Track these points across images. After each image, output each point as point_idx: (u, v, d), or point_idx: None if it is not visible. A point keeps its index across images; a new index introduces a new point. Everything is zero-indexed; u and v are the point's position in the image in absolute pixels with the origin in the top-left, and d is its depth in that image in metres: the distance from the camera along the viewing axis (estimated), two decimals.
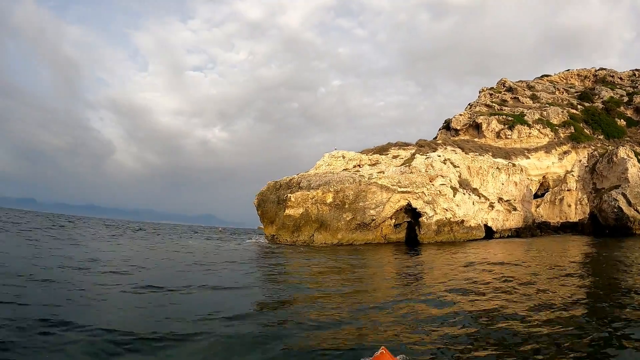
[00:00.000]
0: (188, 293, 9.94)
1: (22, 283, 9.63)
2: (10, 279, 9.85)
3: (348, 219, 31.63)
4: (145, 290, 9.89)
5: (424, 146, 41.48)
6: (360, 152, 40.55)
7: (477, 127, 49.92)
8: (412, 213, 34.52)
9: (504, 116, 49.96)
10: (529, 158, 45.87)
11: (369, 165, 37.52)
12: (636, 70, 66.73)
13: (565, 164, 46.88)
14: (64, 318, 6.94)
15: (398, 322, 7.60)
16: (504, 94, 60.29)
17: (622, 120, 54.69)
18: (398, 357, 5.18)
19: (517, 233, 41.07)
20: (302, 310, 8.55)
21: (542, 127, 49.01)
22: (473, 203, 36.74)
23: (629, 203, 37.29)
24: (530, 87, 62.56)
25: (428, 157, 36.71)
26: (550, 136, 48.81)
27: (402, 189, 32.93)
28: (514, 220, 41.15)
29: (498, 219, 39.45)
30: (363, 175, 33.73)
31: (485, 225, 37.92)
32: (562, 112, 52.14)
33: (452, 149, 41.48)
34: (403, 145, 41.75)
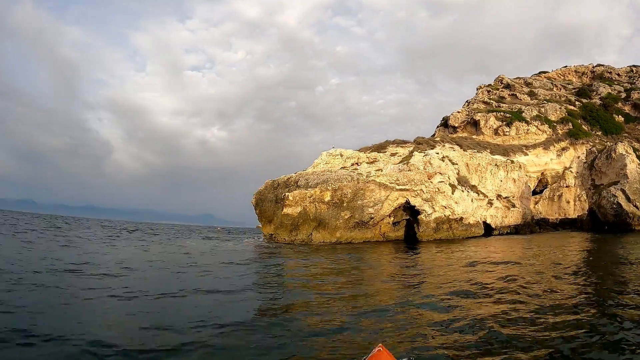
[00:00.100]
0: (181, 298, 9.57)
1: (9, 287, 9.33)
2: None
3: (346, 217, 31.48)
4: (136, 295, 9.49)
5: (422, 143, 41.32)
6: (359, 150, 40.41)
7: (475, 124, 49.75)
8: (410, 211, 34.37)
9: (502, 113, 49.82)
10: (527, 155, 45.76)
11: (367, 163, 37.38)
12: (634, 66, 66.62)
13: (563, 160, 46.76)
14: (47, 328, 6.60)
15: (401, 328, 7.30)
16: (502, 90, 60.09)
17: (620, 116, 54.59)
18: None
19: (516, 230, 40.93)
20: (301, 316, 8.17)
21: (540, 123, 48.88)
22: (472, 200, 36.62)
23: (628, 199, 37.24)
24: (527, 84, 62.38)
25: (426, 155, 36.59)
26: (548, 133, 48.69)
27: (401, 187, 32.77)
28: (513, 217, 41.03)
29: (497, 215, 39.34)
30: (361, 174, 33.57)
31: (484, 223, 37.80)
32: (560, 108, 52.04)
33: (450, 146, 41.33)
34: (401, 142, 41.63)
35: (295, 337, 6.73)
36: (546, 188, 46.66)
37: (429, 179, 34.30)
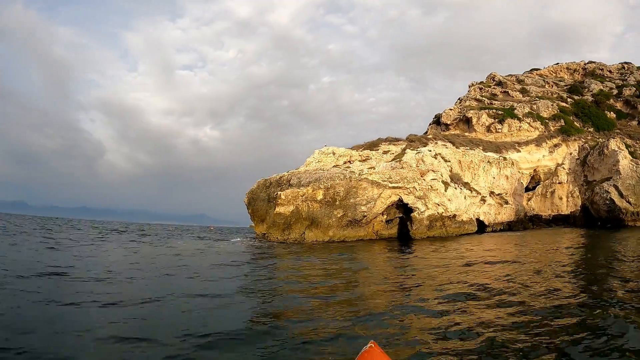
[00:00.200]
0: (166, 303, 9.09)
1: None
2: None
3: (339, 215, 31.35)
4: (119, 300, 9.05)
5: (415, 141, 41.25)
6: (351, 148, 40.31)
7: (467, 121, 49.77)
8: (403, 208, 34.27)
9: (494, 110, 49.83)
10: (520, 151, 45.78)
11: (360, 161, 37.29)
12: (625, 63, 66.88)
13: (556, 157, 46.81)
14: (19, 340, 6.15)
15: (398, 333, 6.99)
16: (494, 88, 60.14)
17: (612, 112, 54.72)
18: None
19: (509, 226, 40.95)
20: (293, 323, 7.73)
21: (532, 120, 48.92)
22: (465, 197, 36.57)
23: (621, 195, 37.30)
24: (519, 81, 62.46)
25: (419, 152, 36.50)
26: (540, 129, 48.73)
27: (393, 185, 32.66)
28: (506, 214, 41.03)
29: (490, 212, 39.32)
30: (353, 172, 33.45)
31: (478, 219, 37.76)
32: (552, 105, 52.12)
33: (443, 143, 41.28)
34: (393, 140, 41.57)
35: (286, 348, 6.37)
36: (539, 184, 46.69)
37: (421, 176, 34.20)
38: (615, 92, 58.13)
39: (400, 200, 33.03)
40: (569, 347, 6.12)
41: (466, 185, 37.81)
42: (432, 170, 35.05)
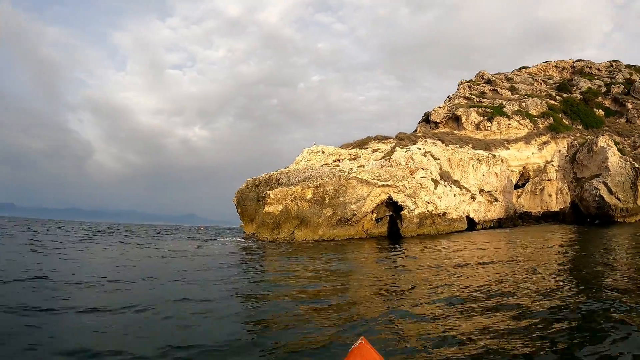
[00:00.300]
0: (147, 312, 8.48)
1: None
2: None
3: (328, 214, 31.18)
4: (97, 308, 8.55)
5: (404, 139, 41.17)
6: (340, 147, 40.14)
7: (456, 119, 49.84)
8: (393, 207, 34.16)
9: (483, 108, 49.94)
10: (509, 149, 45.84)
11: (349, 159, 37.13)
12: (614, 61, 67.35)
13: (545, 154, 46.95)
14: None
15: (392, 340, 6.61)
16: (483, 86, 60.33)
17: (600, 110, 55.06)
18: None
19: (499, 224, 40.99)
20: (282, 332, 7.25)
21: (521, 118, 49.07)
22: (454, 195, 36.52)
23: (610, 191, 37.43)
24: (508, 79, 62.66)
25: (408, 150, 36.40)
26: (529, 127, 48.88)
27: (383, 183, 32.55)
28: (496, 211, 41.07)
29: (480, 210, 39.32)
30: (343, 170, 33.29)
31: (467, 217, 37.73)
32: (541, 103, 52.35)
33: (432, 141, 41.24)
34: (383, 138, 41.46)
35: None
36: (528, 182, 46.80)
37: (411, 174, 34.12)
38: (603, 89, 58.58)
39: (390, 198, 32.92)
40: (572, 352, 5.90)
41: (456, 183, 37.77)
42: (422, 168, 34.98)
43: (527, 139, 47.31)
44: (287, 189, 31.63)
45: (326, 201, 31.23)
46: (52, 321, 7.71)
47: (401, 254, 20.82)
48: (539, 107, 51.54)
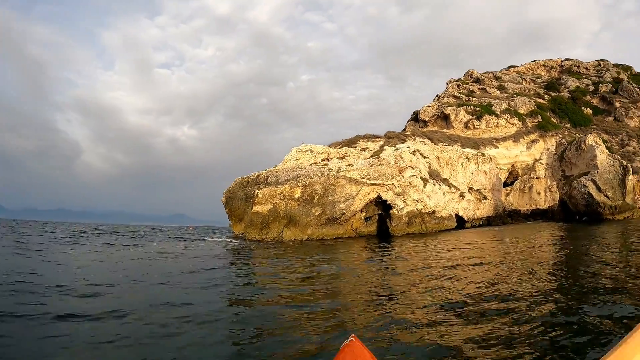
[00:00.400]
0: (124, 323, 7.86)
1: None
2: None
3: (317, 213, 30.99)
4: (72, 316, 8.01)
5: (393, 138, 41.08)
6: (329, 146, 39.94)
7: (445, 118, 49.88)
8: (382, 205, 34.02)
9: (472, 107, 50.03)
10: (498, 147, 45.94)
11: (338, 158, 36.95)
12: (601, 60, 67.84)
13: (533, 152, 47.12)
14: None
15: (384, 353, 6.15)
16: (472, 85, 60.44)
17: (588, 109, 55.44)
18: None
19: (488, 222, 41.02)
20: (272, 342, 6.79)
21: (509, 116, 49.20)
22: (444, 193, 36.47)
23: (599, 189, 37.61)
24: (497, 78, 62.86)
25: (397, 149, 36.31)
26: (518, 125, 49.04)
27: (372, 182, 32.41)
28: (485, 209, 41.10)
29: (469, 208, 39.32)
30: (331, 169, 33.10)
31: (457, 215, 37.70)
32: (529, 101, 52.57)
33: (421, 140, 41.18)
34: (372, 137, 41.33)
35: None
36: (517, 180, 46.92)
37: (400, 173, 34.03)
38: (591, 88, 59.04)
39: (379, 197, 32.79)
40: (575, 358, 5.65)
41: (445, 181, 37.74)
42: (411, 167, 34.90)
43: (515, 138, 47.47)
44: (276, 189, 31.40)
45: (315, 200, 31.03)
46: (24, 329, 7.29)
47: (391, 254, 20.46)
48: (528, 105, 51.76)
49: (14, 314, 7.98)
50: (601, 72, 63.55)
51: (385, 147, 37.29)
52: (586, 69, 66.01)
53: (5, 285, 10.66)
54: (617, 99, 55.49)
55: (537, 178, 45.51)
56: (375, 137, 41.53)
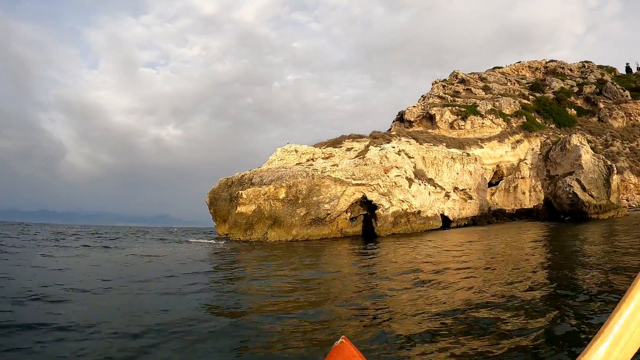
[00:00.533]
0: (95, 328, 7.37)
1: None
2: None
3: (302, 214, 30.73)
4: (38, 324, 7.46)
5: (378, 138, 41.01)
6: (314, 146, 39.75)
7: (430, 118, 50.00)
8: (367, 206, 33.87)
9: (457, 107, 50.23)
10: (483, 147, 46.09)
11: (323, 158, 36.75)
12: (586, 62, 68.54)
13: (518, 152, 47.35)
14: None
15: None
16: (457, 85, 60.69)
17: (572, 109, 55.95)
18: None
19: (473, 221, 41.07)
20: (258, 352, 6.35)
21: (494, 117, 49.43)
22: (429, 193, 36.40)
23: (584, 188, 37.81)
24: (482, 79, 63.18)
25: (382, 149, 36.19)
26: (502, 126, 49.28)
27: (357, 182, 32.24)
28: (470, 209, 41.13)
29: (454, 208, 39.30)
30: (316, 169, 32.88)
31: (442, 215, 37.66)
32: (514, 102, 52.88)
33: (407, 140, 41.15)
34: (357, 137, 41.22)
35: None
36: (502, 180, 47.09)
37: (385, 173, 33.89)
38: (576, 89, 59.65)
39: (364, 197, 32.62)
40: None
41: (430, 181, 37.68)
42: (396, 167, 34.78)
43: (500, 138, 47.64)
44: (260, 189, 31.10)
45: (299, 201, 30.77)
46: None
47: (377, 256, 19.98)
48: (512, 106, 52.03)
49: None
50: (585, 74, 64.19)
51: (371, 147, 37.17)
52: (571, 70, 66.63)
53: None
54: (602, 100, 56.02)
55: (522, 178, 45.67)
56: (361, 137, 41.41)
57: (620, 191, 40.69)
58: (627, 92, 56.38)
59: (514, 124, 49.90)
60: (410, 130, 48.57)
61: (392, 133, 44.72)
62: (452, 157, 40.76)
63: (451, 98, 55.03)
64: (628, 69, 71.06)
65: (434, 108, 49.97)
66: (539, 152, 47.08)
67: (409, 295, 10.42)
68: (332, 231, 32.24)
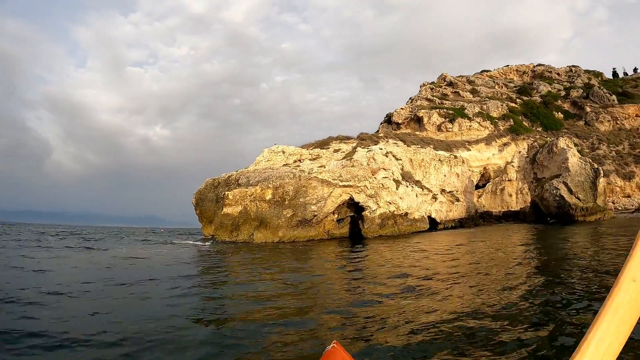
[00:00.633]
0: (67, 335, 6.89)
1: None
2: None
3: (288, 215, 30.52)
4: (5, 332, 7.00)
5: (366, 139, 40.92)
6: (301, 147, 39.57)
7: (418, 120, 50.04)
8: (355, 207, 33.72)
9: (445, 110, 50.29)
10: (470, 150, 46.19)
11: (310, 159, 36.57)
12: (573, 66, 69.18)
13: (505, 155, 47.53)
14: None
15: None
16: (445, 88, 60.87)
17: (559, 113, 56.34)
18: None
19: (460, 223, 41.07)
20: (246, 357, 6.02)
21: (482, 120, 49.59)
22: (416, 195, 36.35)
23: (570, 191, 38.02)
24: (470, 82, 63.42)
25: (370, 150, 36.10)
26: (490, 129, 49.45)
27: (344, 183, 32.09)
28: (457, 211, 41.14)
29: (441, 210, 39.29)
30: (303, 170, 32.70)
31: (429, 217, 37.61)
32: (502, 105, 53.10)
33: (394, 142, 41.09)
34: (344, 138, 41.10)
35: None
36: (489, 182, 47.28)
37: (372, 174, 33.79)
38: (563, 93, 60.11)
39: (352, 199, 32.48)
40: None
41: (418, 183, 37.63)
42: (384, 169, 34.68)
43: (487, 140, 47.79)
44: (246, 190, 30.85)
45: (286, 202, 30.56)
46: None
47: (364, 260, 19.58)
48: (500, 109, 52.24)
49: None
50: (573, 78, 64.76)
51: (358, 148, 37.06)
52: (558, 74, 67.16)
53: None
54: (588, 104, 56.46)
55: (508, 180, 45.86)
56: (348, 138, 41.30)
57: (606, 194, 41.02)
58: (614, 97, 56.91)
59: (501, 127, 50.10)
60: (398, 132, 48.57)
61: (380, 135, 44.66)
62: (439, 160, 40.77)
63: (439, 101, 55.16)
64: (615, 73, 71.94)
65: (422, 110, 50.00)
66: (526, 155, 47.32)
67: (398, 302, 10.04)
68: (318, 233, 32.06)
